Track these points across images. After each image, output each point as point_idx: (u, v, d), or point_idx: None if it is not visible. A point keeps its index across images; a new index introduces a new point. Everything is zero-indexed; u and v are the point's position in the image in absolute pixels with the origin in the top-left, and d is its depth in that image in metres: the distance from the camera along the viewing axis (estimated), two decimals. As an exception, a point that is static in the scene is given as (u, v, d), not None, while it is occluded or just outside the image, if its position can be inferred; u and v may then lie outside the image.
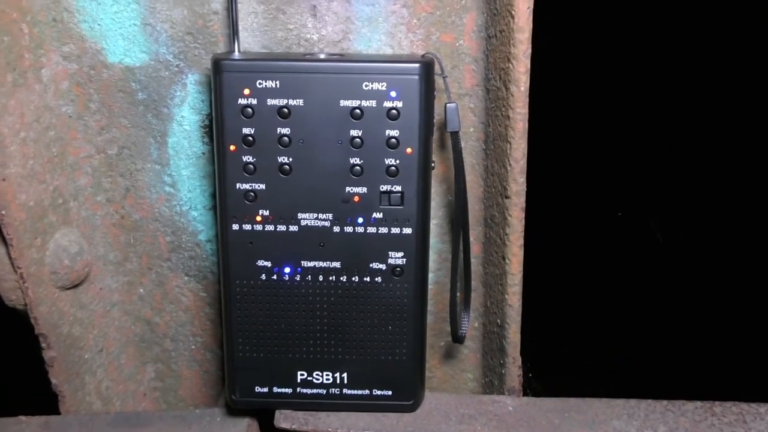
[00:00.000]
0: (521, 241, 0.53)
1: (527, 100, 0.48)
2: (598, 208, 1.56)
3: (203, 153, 0.58)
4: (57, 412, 0.60)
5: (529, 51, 0.47)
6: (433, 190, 0.57)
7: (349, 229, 0.51)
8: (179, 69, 0.55)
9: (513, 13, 0.46)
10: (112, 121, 0.57)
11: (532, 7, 0.46)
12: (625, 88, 1.59)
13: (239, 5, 0.52)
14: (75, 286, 0.59)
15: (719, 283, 1.41)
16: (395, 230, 0.50)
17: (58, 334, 0.58)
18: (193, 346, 0.66)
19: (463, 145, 0.55)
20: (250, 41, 0.54)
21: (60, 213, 0.57)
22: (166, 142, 0.58)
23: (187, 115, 0.57)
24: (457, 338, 0.57)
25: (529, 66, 0.47)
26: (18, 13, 0.51)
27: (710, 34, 1.53)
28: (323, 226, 0.51)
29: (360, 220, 0.50)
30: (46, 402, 0.60)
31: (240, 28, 0.53)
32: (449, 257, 0.57)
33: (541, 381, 1.04)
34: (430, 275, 0.60)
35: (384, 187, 0.50)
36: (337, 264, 0.51)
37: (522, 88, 0.48)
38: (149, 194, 0.60)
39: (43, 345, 0.57)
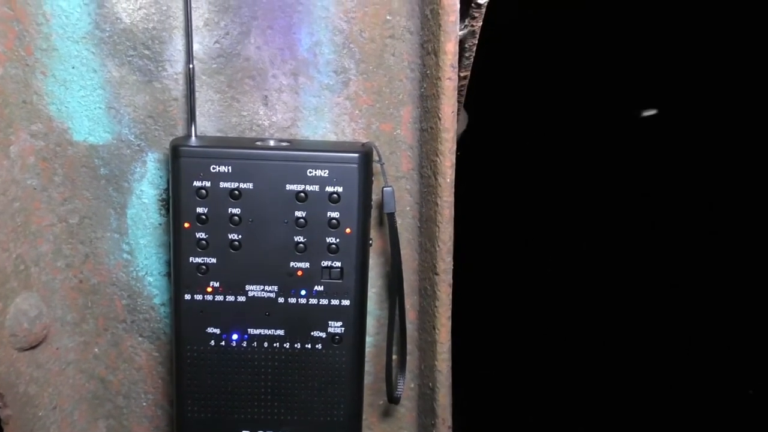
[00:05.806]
0: (449, 314, 0.58)
1: (453, 189, 0.54)
2: (526, 283, 1.66)
3: (160, 224, 0.63)
4: (10, 468, 0.63)
5: (454, 148, 0.53)
6: (372, 261, 0.63)
7: (292, 300, 0.55)
8: (140, 148, 0.60)
9: (440, 115, 0.52)
10: (75, 193, 0.61)
11: (455, 111, 0.52)
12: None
13: (197, 93, 0.58)
14: (33, 347, 0.62)
15: (649, 345, 1.49)
16: (335, 302, 0.55)
17: (14, 393, 0.61)
18: (144, 403, 0.70)
19: (399, 221, 0.61)
20: (206, 125, 0.59)
21: (21, 278, 0.60)
22: (125, 213, 0.62)
23: (146, 189, 0.61)
24: (392, 399, 0.62)
25: (454, 161, 0.53)
26: (-9, 96, 0.56)
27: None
28: (269, 297, 0.55)
29: (303, 292, 0.55)
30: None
31: (197, 113, 0.58)
32: (387, 323, 0.62)
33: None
34: (370, 339, 0.65)
35: (325, 263, 0.55)
36: (281, 332, 0.56)
37: (448, 180, 0.54)
38: (108, 260, 0.64)
39: (0, 404, 0.60)
